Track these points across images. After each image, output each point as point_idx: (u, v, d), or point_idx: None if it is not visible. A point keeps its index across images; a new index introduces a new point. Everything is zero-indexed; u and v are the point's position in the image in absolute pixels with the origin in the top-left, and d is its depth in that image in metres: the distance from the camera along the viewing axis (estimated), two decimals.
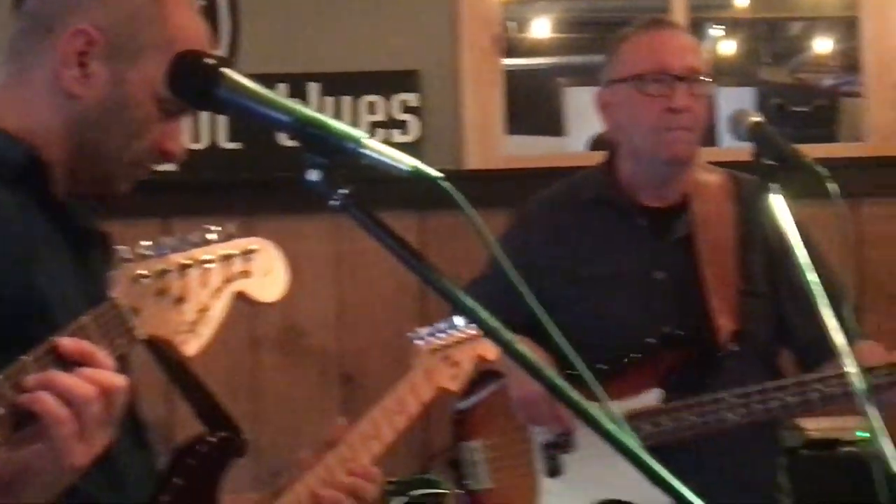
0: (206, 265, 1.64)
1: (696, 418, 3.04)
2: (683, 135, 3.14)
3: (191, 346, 1.63)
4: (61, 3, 1.93)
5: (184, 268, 1.61)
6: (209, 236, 1.65)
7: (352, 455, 2.25)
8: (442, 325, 2.46)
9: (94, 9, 1.91)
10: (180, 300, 1.61)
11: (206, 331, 1.63)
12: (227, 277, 1.67)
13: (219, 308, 1.65)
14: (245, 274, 1.70)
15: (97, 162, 1.93)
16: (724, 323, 3.10)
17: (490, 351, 2.54)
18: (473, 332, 2.49)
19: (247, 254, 1.69)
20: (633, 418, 3.07)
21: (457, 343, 2.46)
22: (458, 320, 2.48)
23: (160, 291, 1.58)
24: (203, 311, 1.63)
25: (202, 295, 1.63)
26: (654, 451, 3.01)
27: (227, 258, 1.66)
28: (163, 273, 1.58)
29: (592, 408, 1.44)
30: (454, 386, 2.46)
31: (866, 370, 2.84)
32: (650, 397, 3.10)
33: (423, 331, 2.47)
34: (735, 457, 3.15)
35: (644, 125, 3.16)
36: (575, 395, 1.42)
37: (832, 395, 2.93)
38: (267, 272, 1.72)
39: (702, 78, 3.17)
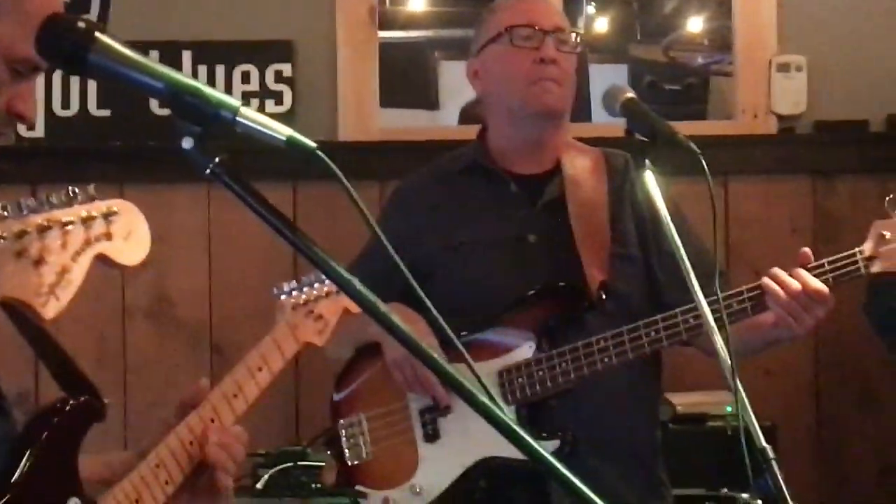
0: (67, 227, 1.60)
1: (569, 365, 3.07)
2: (553, 86, 3.19)
3: (50, 309, 1.59)
4: None
5: (43, 229, 1.57)
6: (70, 198, 1.61)
7: (215, 414, 2.22)
8: (307, 280, 2.43)
9: None
10: (39, 262, 1.57)
11: (66, 294, 1.59)
12: (87, 239, 1.63)
13: (79, 271, 1.61)
14: (106, 236, 1.65)
15: None
16: (595, 275, 3.14)
17: (354, 304, 2.52)
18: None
19: (108, 216, 1.65)
20: (508, 373, 3.10)
21: (321, 297, 2.43)
22: (320, 275, 2.44)
23: (18, 253, 1.54)
24: (63, 273, 1.59)
25: (62, 257, 1.59)
26: (535, 407, 3.09)
27: (88, 220, 1.62)
28: (21, 234, 1.55)
29: (462, 374, 1.44)
30: (319, 340, 2.43)
31: (729, 295, 2.92)
32: (524, 351, 3.13)
33: (288, 286, 2.43)
34: (616, 417, 3.19)
35: (515, 78, 3.21)
36: (443, 363, 1.42)
37: (698, 326, 2.97)
38: (129, 235, 1.68)
39: (570, 37, 3.23)
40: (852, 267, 2.95)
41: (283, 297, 2.42)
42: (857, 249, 2.96)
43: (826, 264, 2.96)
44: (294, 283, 2.44)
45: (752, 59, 4.52)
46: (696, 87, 7.16)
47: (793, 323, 2.94)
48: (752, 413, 2.28)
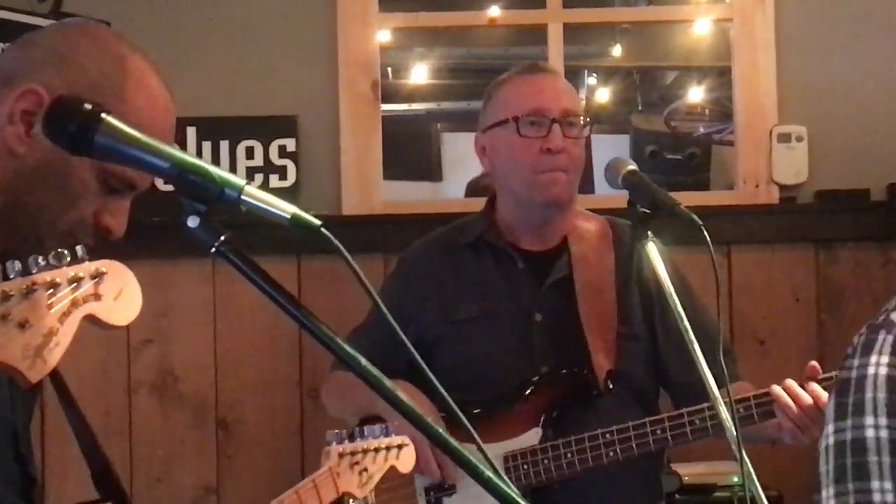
0: (53, 288, 1.60)
1: (574, 456, 3.06)
2: (560, 176, 3.18)
3: (36, 372, 1.58)
4: (28, 60, 1.93)
5: (28, 291, 1.57)
6: (57, 260, 1.62)
7: None
8: (362, 431, 2.44)
9: (55, 72, 1.90)
10: (24, 324, 1.56)
11: (53, 356, 1.58)
12: (75, 300, 1.62)
13: (67, 332, 1.60)
14: (95, 297, 1.65)
15: (30, 223, 1.91)
16: (602, 362, 3.14)
17: (404, 464, 2.52)
18: (391, 441, 2.47)
19: (96, 276, 1.64)
20: (514, 459, 3.09)
21: (370, 451, 2.43)
22: (377, 429, 2.46)
23: (2, 316, 1.54)
24: (49, 335, 1.58)
25: (49, 319, 1.59)
26: (538, 491, 3.07)
27: (75, 280, 1.61)
28: (5, 297, 1.55)
29: (470, 454, 1.44)
30: (360, 493, 2.43)
31: (737, 401, 2.92)
32: (530, 437, 3.12)
33: (339, 433, 2.43)
34: (618, 499, 3.18)
35: (521, 167, 3.19)
36: (453, 442, 1.42)
37: (705, 428, 2.97)
38: (118, 294, 1.68)
39: (578, 120, 3.21)
40: None
41: (333, 444, 2.41)
42: None
43: (835, 377, 2.97)
44: (344, 432, 2.43)
45: (752, 130, 4.54)
46: (698, 157, 7.17)
47: (800, 434, 2.95)
48: (758, 483, 2.28)
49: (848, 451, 1.79)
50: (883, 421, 1.76)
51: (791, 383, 2.96)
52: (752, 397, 2.99)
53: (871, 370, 1.80)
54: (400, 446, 2.49)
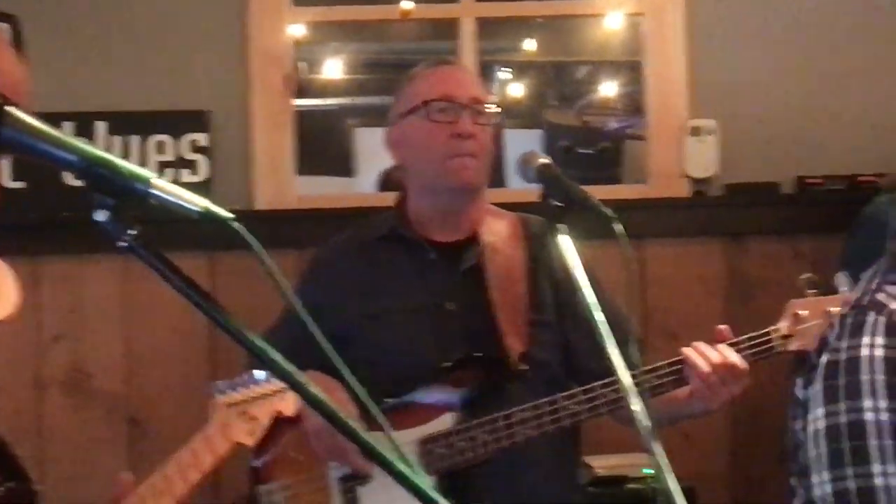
0: None
1: (488, 435, 3.07)
2: (470, 161, 3.21)
3: None
4: None
5: None
6: None
7: None
8: (242, 379, 2.45)
9: None
10: None
11: None
12: None
13: None
14: None
15: None
16: (514, 345, 3.15)
17: (288, 407, 2.53)
18: (273, 387, 2.49)
19: None
20: (428, 443, 3.10)
21: (255, 398, 2.44)
22: (259, 374, 2.47)
23: None
24: None
25: None
26: (454, 476, 3.08)
27: None
28: None
29: (381, 444, 1.44)
30: (250, 441, 2.44)
31: (648, 370, 2.95)
32: (444, 420, 3.13)
33: (223, 384, 2.45)
34: (533, 485, 3.19)
35: (432, 152, 3.22)
36: (363, 434, 1.42)
37: (618, 400, 2.99)
38: None
39: (486, 108, 3.25)
40: (769, 345, 3.02)
41: (217, 394, 2.43)
42: (773, 328, 3.03)
43: (744, 341, 3.01)
44: (229, 382, 2.45)
45: (664, 124, 4.57)
46: (610, 152, 7.22)
47: (709, 395, 2.98)
48: (671, 474, 2.29)
49: (844, 434, 1.77)
50: (883, 403, 1.75)
51: (700, 344, 3.00)
52: (664, 364, 3.02)
53: (864, 352, 1.78)
54: (282, 390, 2.51)
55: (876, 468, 1.71)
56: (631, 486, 3.95)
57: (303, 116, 4.90)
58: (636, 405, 2.33)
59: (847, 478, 1.73)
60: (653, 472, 2.28)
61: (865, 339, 1.76)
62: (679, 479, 2.19)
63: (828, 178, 4.47)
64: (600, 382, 3.03)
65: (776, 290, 4.42)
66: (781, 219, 4.48)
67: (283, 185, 4.48)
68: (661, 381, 3.02)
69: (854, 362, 1.76)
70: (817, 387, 1.81)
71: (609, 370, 2.39)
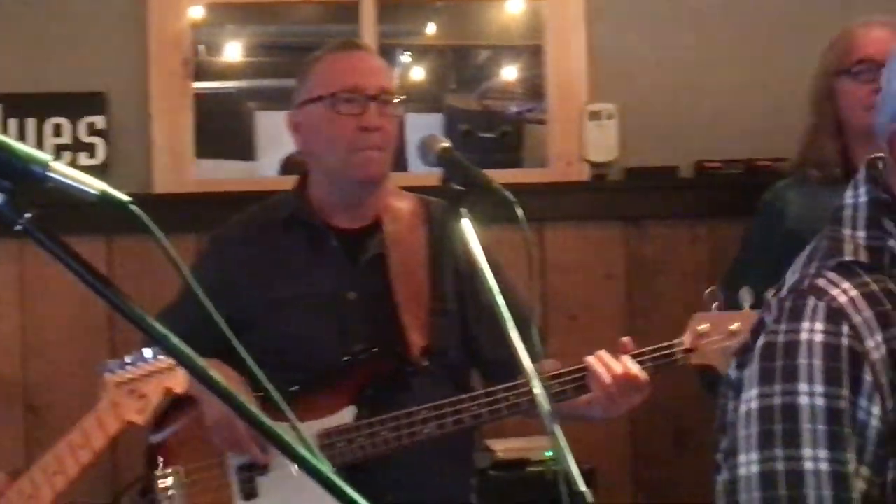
0: None
1: (389, 433, 3.07)
2: (375, 154, 3.18)
3: None
4: None
5: None
6: None
7: (35, 491, 2.19)
8: (131, 358, 2.43)
9: None
10: None
11: None
12: None
13: None
14: None
15: None
16: (416, 339, 3.15)
17: (178, 383, 2.52)
18: (162, 364, 2.47)
19: None
20: (328, 436, 3.09)
21: (145, 376, 2.43)
22: (148, 352, 2.46)
23: None
24: None
25: None
26: (352, 469, 3.07)
27: None
28: None
29: (283, 432, 1.43)
30: (140, 419, 2.43)
31: (553, 376, 2.96)
32: (345, 415, 3.12)
33: (113, 363, 2.43)
34: (431, 477, 3.20)
35: (337, 144, 3.19)
36: (265, 420, 1.41)
37: (519, 404, 3.00)
38: None
39: (392, 98, 3.22)
40: (671, 358, 3.05)
41: (107, 373, 2.41)
42: (676, 341, 3.07)
43: (647, 352, 3.04)
44: (119, 361, 2.43)
45: (564, 108, 4.59)
46: (511, 135, 7.24)
47: (609, 405, 3.00)
48: (571, 457, 2.30)
49: (777, 416, 1.77)
50: (819, 388, 1.75)
51: (604, 353, 3.01)
52: (566, 372, 3.03)
53: (803, 336, 1.78)
54: (171, 368, 2.51)
55: (807, 452, 1.72)
56: (532, 469, 3.97)
57: (202, 99, 4.86)
58: (537, 388, 2.34)
59: (776, 459, 1.74)
60: (553, 454, 2.29)
61: (805, 325, 1.77)
62: (579, 461, 2.20)
63: (726, 163, 4.51)
64: (503, 386, 3.04)
65: (675, 274, 4.47)
66: (680, 203, 4.52)
67: (182, 168, 4.44)
68: (564, 388, 3.03)
69: (793, 346, 1.77)
70: (753, 368, 1.81)
71: (510, 357, 2.40)
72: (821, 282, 1.83)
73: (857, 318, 1.77)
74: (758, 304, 2.86)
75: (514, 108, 7.74)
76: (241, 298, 3.19)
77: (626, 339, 3.05)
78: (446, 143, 2.65)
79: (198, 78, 4.65)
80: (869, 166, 1.95)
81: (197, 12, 4.75)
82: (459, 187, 2.54)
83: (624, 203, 4.52)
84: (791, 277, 1.91)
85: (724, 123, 4.56)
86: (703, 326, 3.05)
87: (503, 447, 4.00)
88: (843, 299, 1.79)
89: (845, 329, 1.76)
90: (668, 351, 3.06)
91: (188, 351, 1.46)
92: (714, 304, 3.07)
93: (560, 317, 4.36)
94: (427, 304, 3.20)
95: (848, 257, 1.86)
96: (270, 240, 3.29)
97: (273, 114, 7.65)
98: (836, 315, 1.77)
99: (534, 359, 2.37)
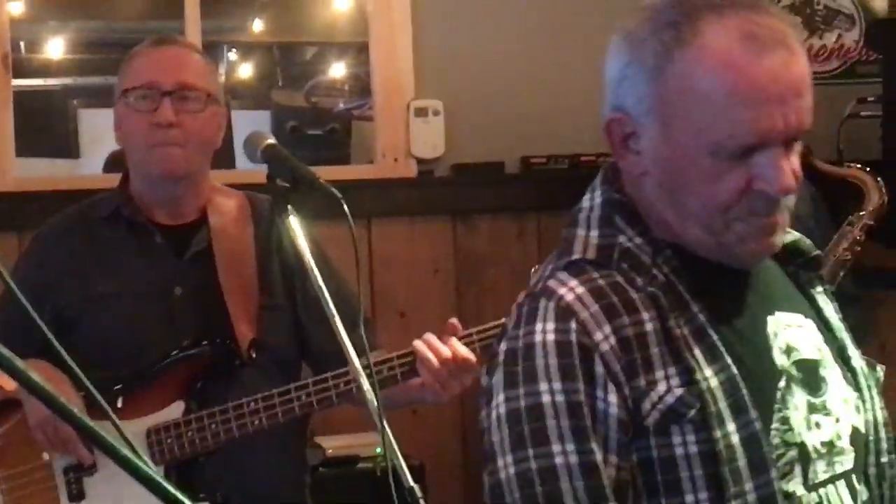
0: None
1: (219, 426, 3.04)
2: (173, 150, 3.13)
3: None
4: None
5: None
6: None
7: None
8: None
9: None
10: None
11: None
12: None
13: None
14: None
15: None
16: (244, 332, 3.13)
17: (6, 381, 2.47)
18: None
19: None
20: (157, 433, 3.06)
21: None
22: None
23: None
24: None
25: None
26: (183, 465, 3.04)
27: None
28: None
29: (104, 431, 1.41)
30: None
31: (380, 361, 2.97)
32: (173, 410, 3.09)
33: None
34: (264, 473, 3.18)
35: (135, 141, 3.16)
36: (85, 420, 1.39)
37: (350, 390, 3.00)
38: None
39: (196, 94, 3.16)
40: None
41: None
42: (503, 320, 3.05)
43: (474, 333, 3.05)
44: None
45: (390, 104, 4.60)
46: (339, 132, 7.24)
47: (439, 388, 3.01)
48: (399, 454, 2.31)
49: (524, 417, 1.82)
50: (557, 385, 1.80)
51: (430, 337, 3.02)
52: (395, 356, 3.03)
53: (538, 337, 1.84)
54: None
55: (556, 448, 1.78)
56: (362, 465, 3.98)
57: (23, 97, 4.77)
58: (365, 383, 2.35)
59: (529, 459, 1.80)
60: (383, 450, 2.30)
61: (539, 326, 1.83)
62: (409, 456, 2.22)
63: (551, 158, 4.57)
64: (331, 374, 3.03)
65: (503, 268, 4.51)
66: (507, 198, 4.56)
67: (1, 167, 4.35)
68: (393, 373, 3.03)
69: (530, 348, 1.83)
70: (498, 374, 1.87)
71: (341, 351, 2.41)
72: (551, 283, 1.89)
73: (584, 314, 1.82)
74: None
75: (341, 105, 7.75)
76: (64, 296, 3.15)
77: (453, 321, 3.06)
78: (271, 140, 2.64)
79: (18, 75, 4.56)
80: (605, 169, 2.02)
81: (16, 7, 4.66)
82: (285, 184, 2.54)
83: (451, 198, 4.55)
84: (531, 283, 1.98)
85: (549, 120, 4.62)
86: None
87: (333, 444, 4.00)
88: (570, 297, 1.85)
89: (573, 325, 1.82)
90: (496, 331, 3.06)
91: (5, 352, 1.43)
92: None
93: (390, 313, 4.37)
94: (255, 298, 3.19)
95: (576, 256, 1.92)
96: (93, 237, 3.24)
97: (97, 111, 7.55)
98: (564, 313, 1.83)
99: (362, 352, 2.38)
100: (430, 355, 2.99)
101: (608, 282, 1.87)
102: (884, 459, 2.00)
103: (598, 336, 1.81)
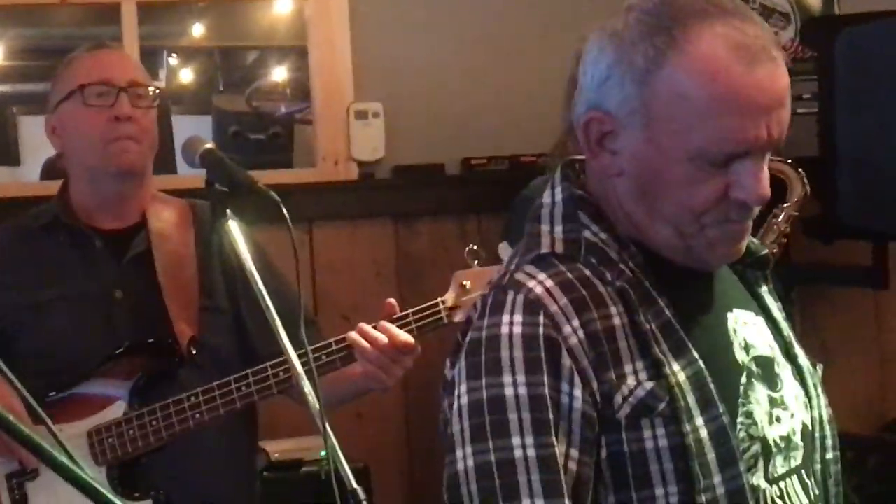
0: None
1: (160, 422, 3.04)
2: (131, 145, 3.16)
3: None
4: None
5: None
6: None
7: None
8: None
9: None
10: None
11: None
12: None
13: None
14: None
15: None
16: (184, 330, 3.13)
17: None
18: None
19: None
20: (98, 434, 3.05)
21: None
22: None
23: None
24: None
25: None
26: (126, 465, 3.04)
27: None
28: None
29: (40, 436, 1.41)
30: None
31: (318, 348, 2.97)
32: (114, 410, 3.09)
33: None
34: (208, 473, 3.18)
35: (91, 138, 3.17)
36: (23, 429, 1.40)
37: (287, 379, 3.00)
38: None
39: (146, 91, 3.20)
40: (436, 317, 3.06)
41: None
42: (439, 300, 3.07)
43: (410, 315, 3.05)
44: None
45: (330, 107, 4.60)
46: (281, 136, 7.25)
47: (382, 375, 3.01)
48: (343, 456, 2.32)
49: (485, 409, 1.82)
50: (521, 378, 1.80)
51: (364, 326, 3.01)
52: (332, 342, 3.02)
53: (504, 329, 1.83)
54: None
55: (515, 441, 1.78)
56: (306, 469, 3.98)
57: None
58: (307, 386, 2.35)
59: (488, 451, 1.80)
60: (326, 454, 2.30)
61: (505, 318, 1.84)
62: (353, 459, 2.22)
63: (491, 159, 4.59)
64: (270, 363, 3.03)
65: (445, 269, 4.48)
66: (448, 199, 4.58)
67: None
68: (331, 359, 3.03)
69: (494, 339, 1.83)
70: (461, 364, 1.87)
71: (281, 353, 2.41)
72: (519, 276, 1.90)
73: (553, 307, 1.83)
74: None
75: (283, 109, 7.75)
76: (4, 307, 3.14)
77: (390, 301, 3.06)
78: (209, 145, 2.65)
79: None
80: (564, 167, 2.03)
81: None
82: (223, 188, 2.54)
83: (392, 201, 4.56)
84: (495, 276, 1.99)
85: (489, 121, 4.63)
86: (466, 283, 3.07)
87: (277, 448, 4.00)
88: (539, 290, 1.86)
89: (542, 318, 1.83)
90: (433, 310, 3.07)
91: None
92: (475, 262, 3.10)
93: (332, 316, 4.36)
94: (196, 300, 3.19)
95: (545, 250, 1.93)
96: (33, 246, 3.24)
97: (37, 118, 7.50)
98: (533, 305, 1.84)
99: (305, 352, 2.38)
100: (366, 344, 2.99)
101: (577, 275, 1.89)
102: (829, 456, 2.04)
103: (567, 330, 1.82)
